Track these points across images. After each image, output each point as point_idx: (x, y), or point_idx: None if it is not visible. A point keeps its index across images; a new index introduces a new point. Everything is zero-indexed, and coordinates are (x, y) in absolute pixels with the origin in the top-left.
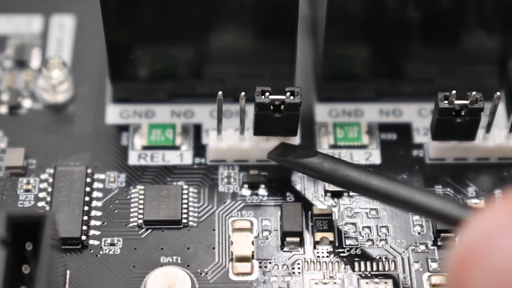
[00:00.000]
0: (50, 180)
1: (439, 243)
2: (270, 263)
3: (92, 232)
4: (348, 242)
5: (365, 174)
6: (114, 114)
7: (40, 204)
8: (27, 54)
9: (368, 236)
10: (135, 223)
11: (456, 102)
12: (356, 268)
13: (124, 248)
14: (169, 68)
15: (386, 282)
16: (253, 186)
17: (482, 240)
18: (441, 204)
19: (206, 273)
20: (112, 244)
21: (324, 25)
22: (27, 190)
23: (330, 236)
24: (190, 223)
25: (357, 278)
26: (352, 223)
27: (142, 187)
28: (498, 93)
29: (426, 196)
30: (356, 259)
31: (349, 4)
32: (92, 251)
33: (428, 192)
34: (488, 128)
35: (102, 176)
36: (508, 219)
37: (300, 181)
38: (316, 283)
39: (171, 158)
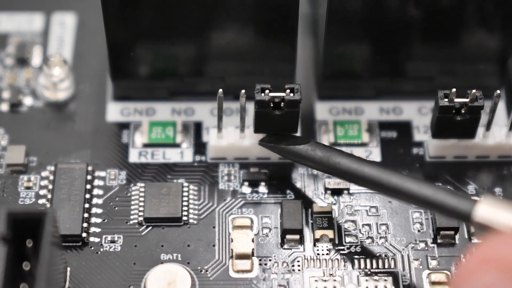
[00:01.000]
0: (51, 177)
1: (438, 241)
2: (270, 260)
3: (92, 229)
4: (348, 239)
5: (357, 162)
6: (114, 111)
7: (40, 201)
8: (28, 52)
9: (368, 233)
10: (136, 221)
11: (456, 100)
12: (356, 266)
13: (125, 246)
14: (169, 66)
15: (386, 280)
16: (253, 184)
17: None
18: (432, 193)
19: (206, 270)
20: (113, 241)
21: (324, 23)
22: (28, 188)
23: (330, 233)
24: (191, 221)
25: (357, 276)
26: (352, 221)
27: (142, 184)
28: (498, 91)
29: (417, 184)
30: (356, 256)
31: (350, 3)
32: (92, 248)
33: (419, 180)
34: (488, 126)
35: (102, 174)
36: (497, 280)
37: (300, 179)
38: (316, 280)
39: (172, 155)
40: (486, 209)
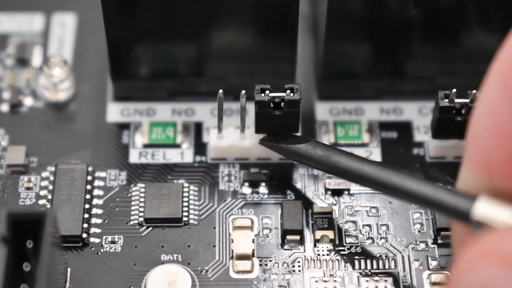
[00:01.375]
0: (51, 178)
1: (439, 241)
2: (270, 261)
3: (93, 230)
4: (348, 240)
5: (357, 161)
6: (115, 112)
7: (41, 202)
8: (28, 52)
9: (369, 234)
10: (136, 221)
11: (457, 100)
12: (356, 266)
13: (125, 246)
14: (170, 66)
15: (386, 280)
16: (254, 184)
17: None
18: (431, 191)
19: (207, 271)
20: (113, 242)
21: (324, 23)
22: (28, 188)
23: (330, 234)
24: (191, 221)
25: (357, 276)
26: (353, 221)
27: (143, 185)
28: None
29: (416, 182)
30: (356, 257)
31: (350, 3)
32: (93, 249)
33: (418, 179)
34: None
35: (103, 174)
36: (497, 274)
37: (300, 179)
38: (316, 281)
39: (172, 156)
40: (485, 207)
